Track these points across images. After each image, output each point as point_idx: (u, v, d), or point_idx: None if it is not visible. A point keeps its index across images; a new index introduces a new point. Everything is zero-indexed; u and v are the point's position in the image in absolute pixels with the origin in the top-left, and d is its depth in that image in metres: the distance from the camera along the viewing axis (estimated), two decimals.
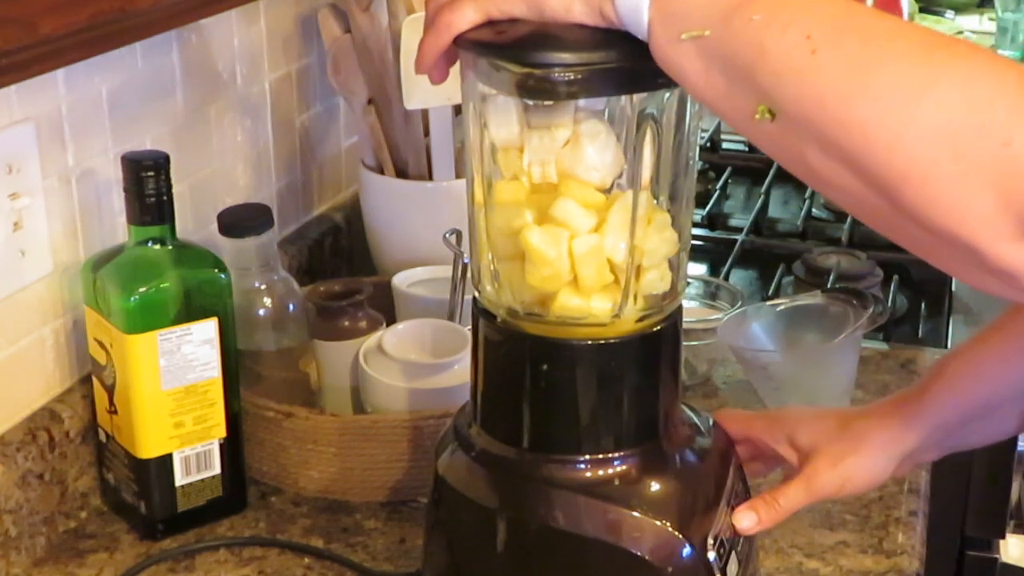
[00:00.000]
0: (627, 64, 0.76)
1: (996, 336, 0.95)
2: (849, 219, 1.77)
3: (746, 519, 0.90)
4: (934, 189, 0.64)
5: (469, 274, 1.11)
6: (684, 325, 0.91)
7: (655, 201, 0.85)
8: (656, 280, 0.86)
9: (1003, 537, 1.52)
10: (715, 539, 0.86)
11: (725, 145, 2.10)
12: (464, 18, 0.79)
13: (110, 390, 1.10)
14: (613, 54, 0.76)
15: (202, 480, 1.12)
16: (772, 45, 0.67)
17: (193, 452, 1.11)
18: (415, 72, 0.83)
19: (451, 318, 1.27)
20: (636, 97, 0.81)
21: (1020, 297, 0.67)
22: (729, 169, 1.99)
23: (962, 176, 0.63)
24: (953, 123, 0.64)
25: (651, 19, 0.72)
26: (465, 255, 1.25)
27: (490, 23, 0.79)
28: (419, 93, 1.35)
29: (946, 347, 1.49)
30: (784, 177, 1.89)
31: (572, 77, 0.76)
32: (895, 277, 1.62)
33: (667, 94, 0.82)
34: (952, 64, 0.65)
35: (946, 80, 0.65)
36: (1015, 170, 0.62)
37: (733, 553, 0.88)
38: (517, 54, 0.77)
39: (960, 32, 2.61)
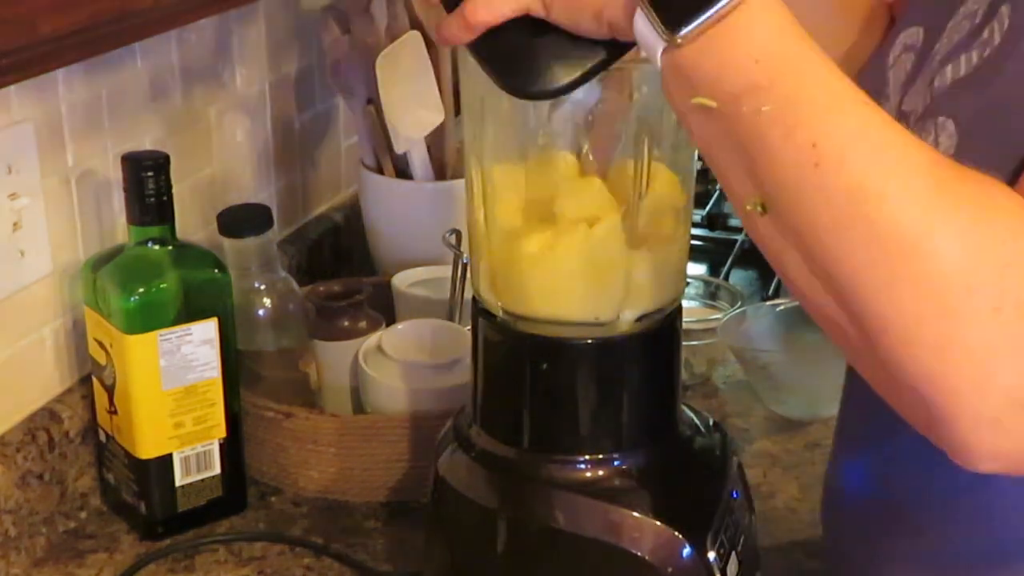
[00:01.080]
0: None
1: None
2: None
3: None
4: (913, 346, 0.61)
5: (469, 274, 1.11)
6: (684, 325, 0.91)
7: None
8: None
9: None
10: (715, 539, 0.86)
11: None
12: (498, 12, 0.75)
13: (110, 390, 1.10)
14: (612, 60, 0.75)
15: (202, 480, 1.12)
16: (776, 145, 0.64)
17: (193, 452, 1.11)
18: (438, 42, 0.80)
19: (451, 318, 1.27)
20: (635, 99, 0.81)
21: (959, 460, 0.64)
22: None
23: (945, 340, 0.60)
24: (946, 278, 0.60)
25: (663, 70, 0.68)
26: (465, 255, 1.25)
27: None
28: (403, 133, 1.36)
29: None
30: None
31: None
32: None
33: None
34: (955, 207, 0.61)
35: (946, 228, 0.61)
36: (1003, 340, 0.60)
37: (733, 553, 0.88)
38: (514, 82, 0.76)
39: None
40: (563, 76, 0.73)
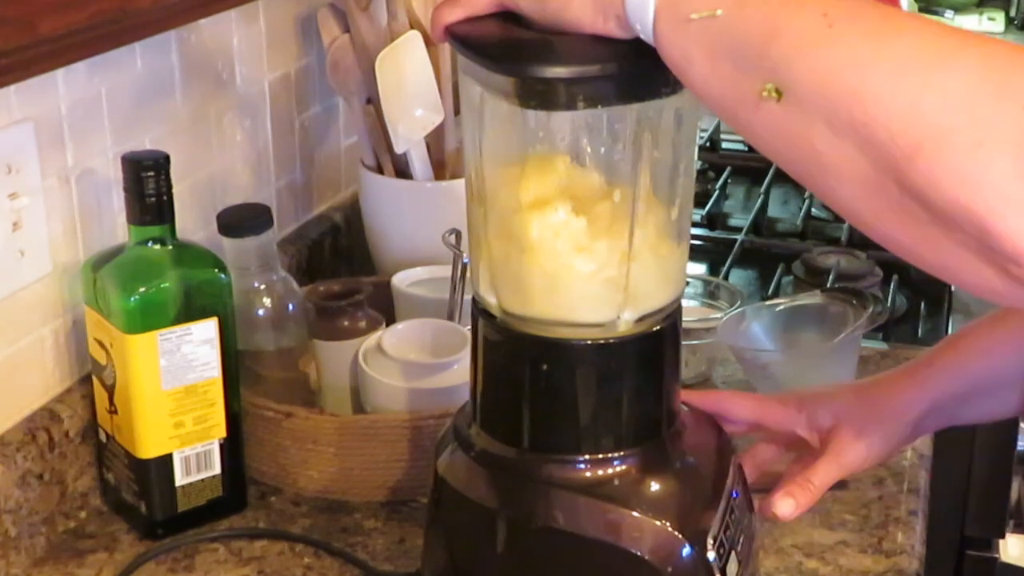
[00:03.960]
0: (628, 71, 0.76)
1: (1008, 318, 0.95)
2: None
3: (784, 505, 0.91)
4: (948, 157, 0.62)
5: (469, 274, 1.11)
6: (684, 325, 0.91)
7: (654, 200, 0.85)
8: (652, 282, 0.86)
9: (1003, 537, 1.52)
10: (715, 539, 0.86)
11: (725, 145, 2.10)
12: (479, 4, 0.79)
13: (110, 390, 1.10)
14: (614, 62, 0.76)
15: (202, 480, 1.12)
16: (787, 22, 0.67)
17: (193, 452, 1.11)
18: (435, 39, 0.82)
19: (451, 318, 1.27)
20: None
21: (1018, 295, 0.66)
22: (728, 169, 1.99)
23: (979, 142, 0.62)
24: (972, 88, 0.62)
25: (658, 3, 0.71)
26: (465, 255, 1.25)
27: (500, 16, 0.79)
28: (403, 133, 1.36)
29: None
30: (784, 177, 1.88)
31: (571, 85, 0.76)
32: (895, 277, 1.62)
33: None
34: (969, 39, 0.64)
35: (965, 50, 0.64)
36: None
37: (733, 553, 0.88)
38: (515, 64, 0.77)
39: None
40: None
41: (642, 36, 0.73)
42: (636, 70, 0.76)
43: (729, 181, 1.97)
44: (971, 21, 2.73)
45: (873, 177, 0.65)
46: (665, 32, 0.72)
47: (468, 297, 1.20)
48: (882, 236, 0.69)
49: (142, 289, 1.06)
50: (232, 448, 1.13)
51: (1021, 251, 0.62)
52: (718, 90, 0.71)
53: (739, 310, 1.36)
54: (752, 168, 2.00)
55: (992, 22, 2.69)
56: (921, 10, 2.69)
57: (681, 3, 0.70)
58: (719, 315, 1.36)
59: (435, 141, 1.44)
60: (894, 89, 0.63)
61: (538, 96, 0.78)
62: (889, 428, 0.95)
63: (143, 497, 1.11)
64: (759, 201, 1.86)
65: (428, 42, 1.40)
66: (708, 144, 2.07)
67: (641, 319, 0.86)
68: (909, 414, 0.95)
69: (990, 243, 0.63)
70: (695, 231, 1.75)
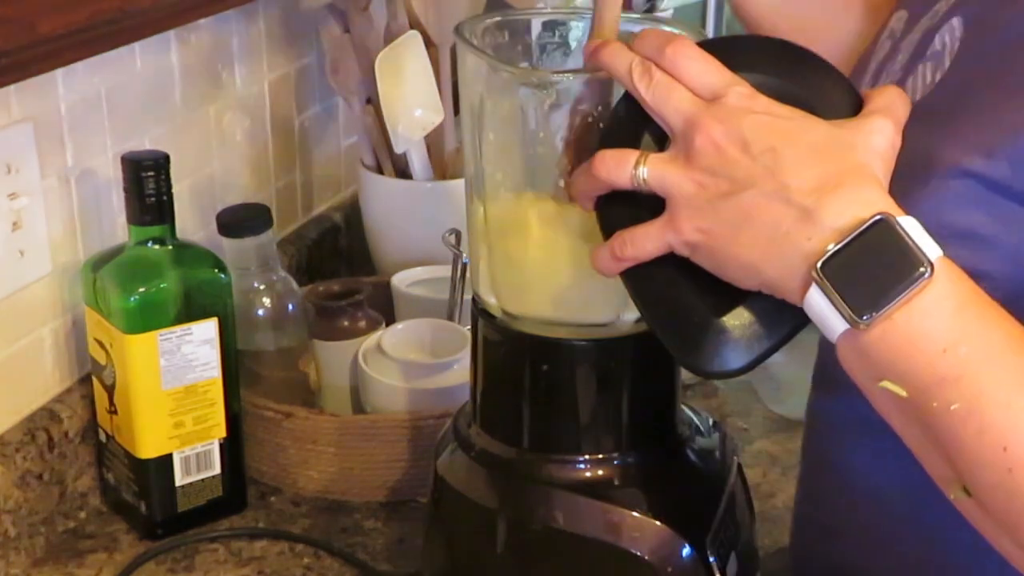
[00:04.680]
0: None
1: None
2: None
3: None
4: None
5: (468, 274, 1.11)
6: None
7: None
8: None
9: None
10: (715, 539, 0.86)
11: None
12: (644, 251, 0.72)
13: (110, 390, 1.10)
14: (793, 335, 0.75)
15: (202, 480, 1.12)
16: (970, 444, 0.63)
17: (193, 452, 1.11)
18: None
19: (450, 318, 1.27)
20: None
21: None
22: None
23: None
24: None
25: (841, 348, 0.67)
26: (464, 255, 1.25)
27: None
28: (403, 133, 1.36)
29: None
30: None
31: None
32: None
33: None
34: None
35: None
36: None
37: (733, 553, 0.88)
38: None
39: None
40: (735, 359, 0.72)
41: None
42: None
43: None
44: None
45: None
46: (855, 375, 0.68)
47: (468, 297, 1.21)
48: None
49: (142, 289, 1.06)
50: (232, 448, 1.13)
51: None
52: (907, 439, 0.68)
53: None
54: None
55: None
56: None
57: (866, 362, 0.66)
58: None
59: (435, 141, 1.44)
60: None
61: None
62: None
63: (143, 497, 1.11)
64: None
65: (428, 42, 1.40)
66: None
67: (641, 319, 0.86)
68: None
69: None
70: None
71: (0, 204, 1.04)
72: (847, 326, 0.65)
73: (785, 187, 0.66)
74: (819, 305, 0.66)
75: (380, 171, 1.45)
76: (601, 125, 0.78)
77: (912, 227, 0.64)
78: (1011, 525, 0.63)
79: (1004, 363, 0.63)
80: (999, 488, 0.63)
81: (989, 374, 0.63)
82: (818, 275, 0.65)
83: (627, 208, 0.72)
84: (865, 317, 0.64)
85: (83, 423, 1.13)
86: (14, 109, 1.04)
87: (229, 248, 1.19)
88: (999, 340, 0.64)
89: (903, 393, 0.64)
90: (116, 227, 1.16)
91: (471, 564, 0.90)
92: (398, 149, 1.39)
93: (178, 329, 1.07)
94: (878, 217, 0.64)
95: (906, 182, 0.69)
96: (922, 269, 0.64)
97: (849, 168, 0.67)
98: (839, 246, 0.64)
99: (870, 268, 0.64)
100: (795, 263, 0.66)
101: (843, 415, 0.83)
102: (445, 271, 1.29)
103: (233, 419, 1.13)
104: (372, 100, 1.41)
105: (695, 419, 0.93)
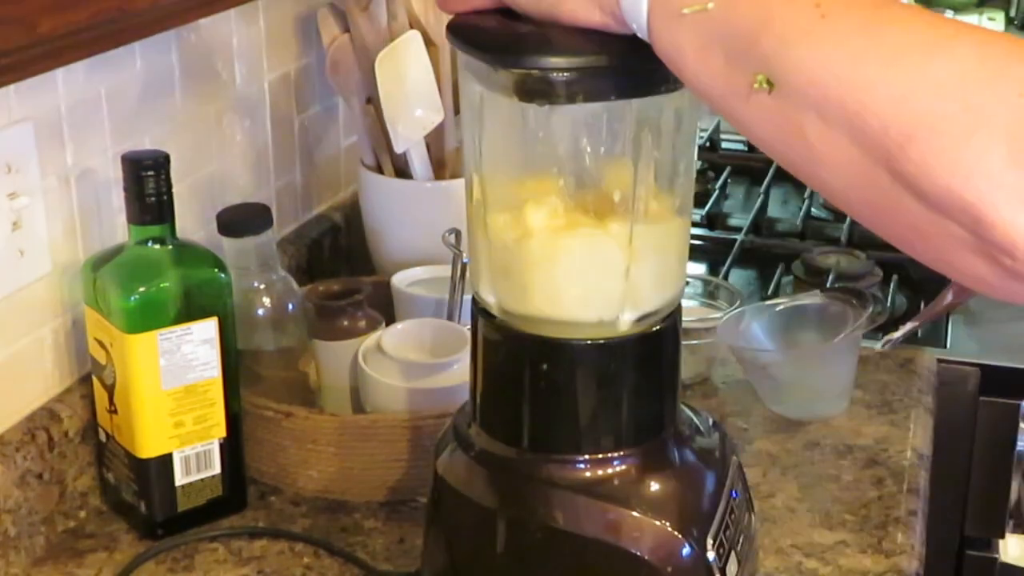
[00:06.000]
0: (627, 65, 0.76)
1: None
2: (848, 219, 1.77)
3: None
4: (941, 144, 0.61)
5: (468, 274, 1.11)
6: (683, 325, 0.91)
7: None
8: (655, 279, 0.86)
9: (1003, 537, 1.52)
10: (715, 539, 0.86)
11: (724, 145, 2.10)
12: None
13: (110, 390, 1.10)
14: (613, 57, 0.76)
15: (202, 480, 1.12)
16: (779, 13, 0.66)
17: (193, 452, 1.11)
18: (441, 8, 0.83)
19: (450, 318, 1.27)
20: (636, 99, 0.81)
21: (1010, 288, 0.64)
22: (728, 169, 1.99)
23: (972, 128, 0.61)
24: (967, 75, 0.62)
25: (652, 16, 0.71)
26: (464, 255, 1.25)
27: (498, 12, 0.79)
28: (403, 133, 1.36)
29: (945, 347, 1.49)
30: (783, 177, 1.89)
31: (571, 79, 0.76)
32: (894, 277, 1.62)
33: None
34: (963, 28, 0.64)
35: (959, 38, 0.63)
36: None
37: (733, 553, 0.88)
38: (515, 57, 0.77)
39: None
40: None
41: (637, 32, 0.73)
42: (635, 65, 0.76)
43: (729, 181, 1.97)
44: (971, 21, 2.73)
45: (865, 167, 0.65)
46: (658, 27, 0.72)
47: (468, 297, 1.20)
48: (875, 226, 0.68)
49: (142, 289, 1.06)
50: (232, 448, 1.13)
51: (1014, 242, 0.61)
52: (710, 82, 0.70)
53: (739, 310, 1.36)
54: (752, 168, 2.00)
55: (992, 22, 2.68)
56: None
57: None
58: (719, 315, 1.35)
59: (435, 141, 1.44)
60: (886, 78, 0.63)
61: (538, 92, 0.78)
62: None
63: (143, 497, 1.11)
64: (759, 201, 1.86)
65: (428, 42, 1.40)
66: (708, 144, 2.07)
67: (641, 319, 0.86)
68: None
69: (982, 233, 0.62)
70: (695, 231, 1.75)
71: (0, 204, 1.04)
72: None
73: None
74: None
75: (380, 171, 1.45)
76: None
77: None
78: (818, 82, 0.64)
79: None
80: (809, 42, 0.65)
81: None
82: None
83: None
84: None
85: (83, 423, 1.13)
86: (14, 109, 1.04)
87: (229, 248, 1.19)
88: None
89: (708, 5, 0.68)
90: (116, 227, 1.16)
91: (471, 564, 0.90)
92: (398, 149, 1.39)
93: (178, 329, 1.07)
94: None
95: None
96: None
97: None
98: None
99: None
100: None
101: None
102: (445, 271, 1.29)
103: (233, 419, 1.13)
104: (372, 100, 1.41)
105: (695, 419, 0.93)
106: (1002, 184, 0.60)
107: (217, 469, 1.13)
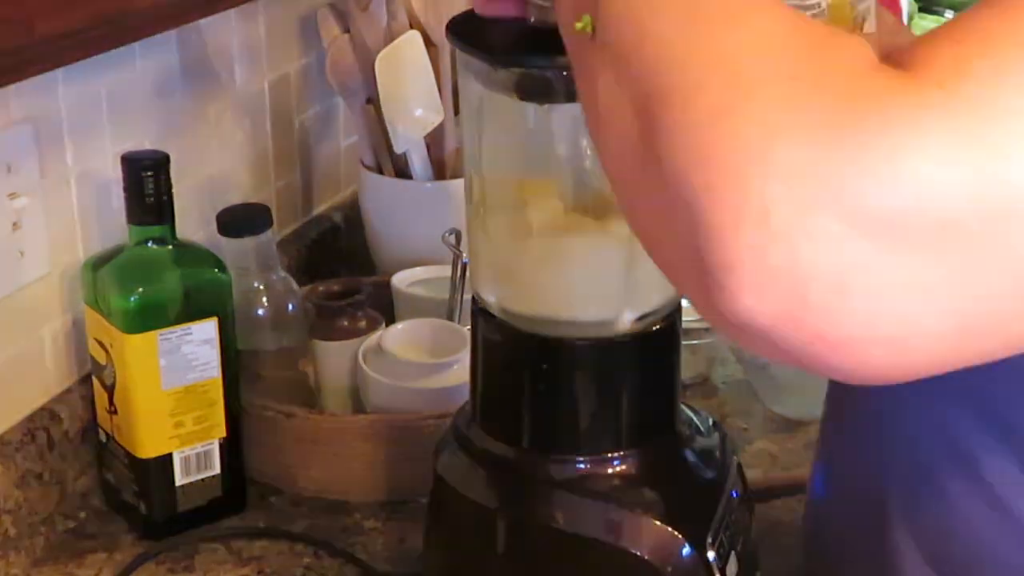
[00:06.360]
0: None
1: None
2: None
3: None
4: (691, 116, 0.50)
5: (468, 274, 1.11)
6: (684, 324, 0.91)
7: None
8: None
9: None
10: (715, 539, 0.86)
11: None
12: None
13: (110, 390, 1.10)
14: None
15: (202, 480, 1.12)
16: None
17: (193, 452, 1.11)
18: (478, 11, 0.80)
19: (451, 318, 1.27)
20: None
21: (714, 316, 0.51)
22: None
23: (727, 108, 0.50)
24: (749, 53, 0.51)
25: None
26: (464, 255, 1.25)
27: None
28: (403, 133, 1.36)
29: None
30: None
31: (571, 79, 0.76)
32: None
33: None
34: (788, 13, 0.53)
35: (767, 14, 0.53)
36: (789, 106, 0.49)
37: (733, 553, 0.88)
38: (514, 57, 0.77)
39: None
40: None
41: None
42: None
43: None
44: None
45: (631, 134, 0.54)
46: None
47: (468, 297, 1.20)
48: (625, 208, 0.58)
49: (142, 289, 1.06)
50: (232, 448, 1.13)
51: (729, 259, 0.48)
52: (564, 20, 0.64)
53: None
54: None
55: None
56: (921, 10, 2.69)
57: None
58: None
59: (435, 141, 1.44)
60: (676, 35, 0.53)
61: (538, 91, 0.78)
62: None
63: (143, 497, 1.11)
64: None
65: (428, 42, 1.40)
66: None
67: (641, 319, 0.86)
68: None
69: (698, 235, 0.49)
70: None
71: (0, 204, 1.04)
72: None
73: None
74: None
75: (380, 171, 1.45)
76: None
77: None
78: (622, 31, 0.56)
79: None
80: None
81: None
82: None
83: None
84: None
85: (83, 423, 1.13)
86: (14, 109, 1.04)
87: (229, 248, 1.19)
88: None
89: None
90: (116, 227, 1.16)
91: (471, 564, 0.90)
92: (398, 149, 1.39)
93: (178, 329, 1.07)
94: None
95: None
96: None
97: None
98: None
99: None
100: None
101: None
102: (445, 271, 1.29)
103: (233, 419, 1.13)
104: (372, 100, 1.41)
105: (695, 419, 0.93)
106: (738, 183, 0.48)
107: (217, 469, 1.13)
